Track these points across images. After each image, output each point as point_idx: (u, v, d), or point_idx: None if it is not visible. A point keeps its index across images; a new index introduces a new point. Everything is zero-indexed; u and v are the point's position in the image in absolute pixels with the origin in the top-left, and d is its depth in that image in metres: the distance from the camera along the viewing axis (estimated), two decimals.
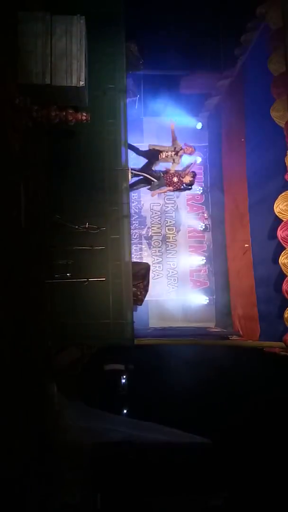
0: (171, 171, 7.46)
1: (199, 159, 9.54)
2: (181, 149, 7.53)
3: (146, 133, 8.80)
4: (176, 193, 9.42)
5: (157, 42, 7.27)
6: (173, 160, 7.54)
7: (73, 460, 5.02)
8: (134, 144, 7.58)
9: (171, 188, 7.52)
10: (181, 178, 7.44)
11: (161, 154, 7.49)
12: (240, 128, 7.77)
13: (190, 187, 7.78)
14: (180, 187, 7.57)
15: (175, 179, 7.42)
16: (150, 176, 7.43)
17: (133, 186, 7.55)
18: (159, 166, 7.69)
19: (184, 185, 7.56)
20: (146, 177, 7.46)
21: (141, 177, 7.51)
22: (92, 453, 5.13)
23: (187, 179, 7.48)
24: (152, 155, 7.55)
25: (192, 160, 7.86)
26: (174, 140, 7.54)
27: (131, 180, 7.20)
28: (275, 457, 5.95)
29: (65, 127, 5.28)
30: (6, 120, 4.48)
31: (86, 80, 5.14)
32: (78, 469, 4.98)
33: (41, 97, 5.03)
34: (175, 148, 7.53)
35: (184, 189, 7.81)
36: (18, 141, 4.71)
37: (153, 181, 7.43)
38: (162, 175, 7.42)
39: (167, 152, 7.50)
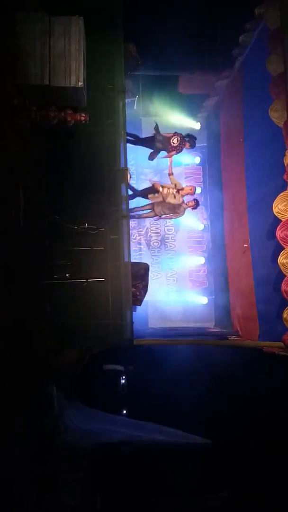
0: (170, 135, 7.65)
1: (198, 160, 9.56)
2: (182, 189, 7.74)
3: (144, 134, 8.78)
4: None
5: (156, 43, 7.27)
6: (174, 196, 7.67)
7: (72, 460, 5.01)
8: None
9: (173, 152, 7.68)
10: (183, 138, 7.63)
11: (163, 189, 7.69)
12: (239, 128, 7.78)
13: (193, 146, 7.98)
14: (181, 149, 7.72)
15: (175, 140, 7.61)
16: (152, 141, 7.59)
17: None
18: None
19: (185, 148, 7.73)
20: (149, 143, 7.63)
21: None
22: (92, 454, 5.13)
23: (187, 145, 7.64)
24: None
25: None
26: (170, 174, 7.77)
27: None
28: (275, 458, 5.95)
29: (64, 128, 5.29)
30: (5, 121, 4.49)
31: (84, 80, 5.14)
32: (78, 470, 4.98)
33: (39, 98, 5.03)
34: (175, 185, 7.71)
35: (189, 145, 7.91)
36: (17, 141, 4.71)
37: (155, 144, 7.58)
38: (161, 145, 7.59)
39: (168, 188, 7.69)
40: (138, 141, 7.87)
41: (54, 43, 5.01)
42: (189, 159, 9.42)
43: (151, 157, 7.95)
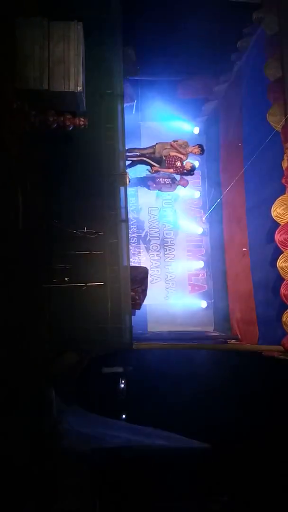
0: (173, 155, 7.51)
1: (196, 163, 9.57)
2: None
3: (143, 138, 8.81)
4: (174, 197, 9.47)
5: (155, 48, 7.30)
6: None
7: (71, 465, 4.99)
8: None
9: (171, 170, 7.58)
10: (183, 164, 7.51)
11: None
12: (238, 133, 7.80)
13: (192, 172, 7.84)
14: (182, 172, 7.64)
15: (178, 164, 7.48)
16: (150, 159, 7.48)
17: (131, 166, 7.61)
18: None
19: (185, 171, 7.64)
20: (146, 161, 7.51)
21: (140, 161, 7.58)
22: (91, 458, 5.10)
23: (188, 165, 7.56)
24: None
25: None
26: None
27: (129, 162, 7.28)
28: (275, 461, 5.93)
29: (63, 132, 5.30)
30: (4, 125, 4.50)
31: (83, 85, 5.16)
32: (77, 475, 4.95)
33: (39, 102, 5.05)
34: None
35: (186, 174, 7.85)
36: (16, 146, 4.72)
37: (153, 165, 7.50)
38: (164, 158, 7.46)
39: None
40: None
41: (53, 48, 5.03)
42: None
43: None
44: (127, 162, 7.18)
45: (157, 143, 7.70)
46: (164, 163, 7.48)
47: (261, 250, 6.80)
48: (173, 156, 7.47)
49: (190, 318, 9.06)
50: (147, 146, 7.84)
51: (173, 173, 7.70)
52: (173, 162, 7.46)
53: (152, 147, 7.70)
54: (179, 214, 9.58)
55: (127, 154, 6.92)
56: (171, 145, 7.63)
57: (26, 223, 4.81)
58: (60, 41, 5.04)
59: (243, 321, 7.70)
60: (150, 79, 8.35)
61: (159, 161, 7.51)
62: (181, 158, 7.49)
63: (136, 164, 7.74)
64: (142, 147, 7.95)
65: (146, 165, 7.74)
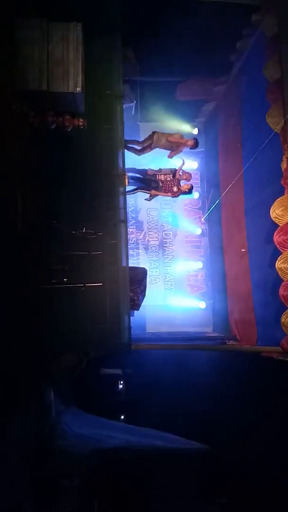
0: (169, 179, 7.51)
1: (195, 165, 9.59)
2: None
3: (142, 139, 8.81)
4: (173, 198, 9.48)
5: (154, 49, 7.30)
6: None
7: (70, 466, 4.98)
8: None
9: (169, 194, 7.59)
10: (180, 187, 7.50)
11: (159, 176, 7.58)
12: (236, 134, 7.81)
13: (190, 193, 7.85)
14: (180, 195, 7.65)
15: (175, 189, 7.49)
16: (146, 189, 7.51)
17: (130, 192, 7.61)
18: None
19: (183, 192, 7.64)
20: (143, 191, 7.54)
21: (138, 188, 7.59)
22: (89, 460, 5.10)
23: (185, 187, 7.56)
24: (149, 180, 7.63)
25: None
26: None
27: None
28: (274, 463, 5.93)
29: (62, 133, 5.31)
30: (3, 126, 4.50)
31: (82, 86, 5.17)
32: (75, 476, 4.95)
33: (38, 103, 5.06)
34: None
35: (183, 195, 7.87)
36: (15, 147, 4.72)
37: (150, 193, 7.52)
38: (160, 184, 7.47)
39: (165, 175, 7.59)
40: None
41: (53, 48, 5.04)
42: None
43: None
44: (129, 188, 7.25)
45: (154, 132, 7.67)
46: (160, 188, 7.51)
47: (260, 251, 6.81)
48: (169, 181, 7.51)
49: (189, 319, 9.07)
50: (145, 138, 7.84)
51: (171, 196, 7.72)
52: (170, 187, 7.50)
53: (150, 137, 7.68)
54: (178, 215, 9.59)
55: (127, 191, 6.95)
56: (169, 140, 7.56)
57: (25, 224, 4.81)
58: (60, 42, 5.05)
59: (242, 322, 7.71)
60: (149, 80, 8.35)
61: (156, 186, 7.52)
62: (177, 180, 7.54)
63: (136, 192, 7.76)
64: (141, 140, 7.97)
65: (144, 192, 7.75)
